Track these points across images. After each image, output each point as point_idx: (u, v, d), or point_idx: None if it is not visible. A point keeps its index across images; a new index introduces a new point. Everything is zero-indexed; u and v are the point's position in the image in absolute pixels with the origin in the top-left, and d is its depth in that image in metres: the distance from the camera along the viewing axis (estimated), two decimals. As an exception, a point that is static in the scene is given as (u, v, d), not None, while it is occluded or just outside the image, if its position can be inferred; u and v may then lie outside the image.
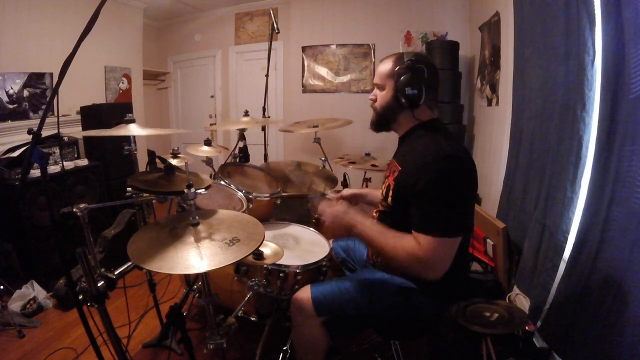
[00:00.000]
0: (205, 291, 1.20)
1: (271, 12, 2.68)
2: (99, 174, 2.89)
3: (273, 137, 4.17)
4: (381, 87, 1.19)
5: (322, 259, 1.49)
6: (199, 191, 1.16)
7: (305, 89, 4.02)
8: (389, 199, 1.15)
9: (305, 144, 3.85)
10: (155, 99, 4.97)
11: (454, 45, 3.06)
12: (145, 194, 1.37)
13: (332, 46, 3.86)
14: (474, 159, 1.11)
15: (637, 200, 1.08)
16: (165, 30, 4.85)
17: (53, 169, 2.51)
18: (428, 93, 1.11)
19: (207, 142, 2.21)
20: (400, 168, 1.13)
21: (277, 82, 4.21)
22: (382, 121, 1.23)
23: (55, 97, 0.94)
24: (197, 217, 1.07)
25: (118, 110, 3.28)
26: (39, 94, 2.98)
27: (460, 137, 3.08)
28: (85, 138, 3.13)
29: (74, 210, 1.07)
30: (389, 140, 1.44)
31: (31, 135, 0.89)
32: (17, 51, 2.82)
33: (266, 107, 2.90)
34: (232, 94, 4.54)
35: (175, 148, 2.04)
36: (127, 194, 1.36)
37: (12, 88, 2.80)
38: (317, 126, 2.45)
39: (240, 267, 1.49)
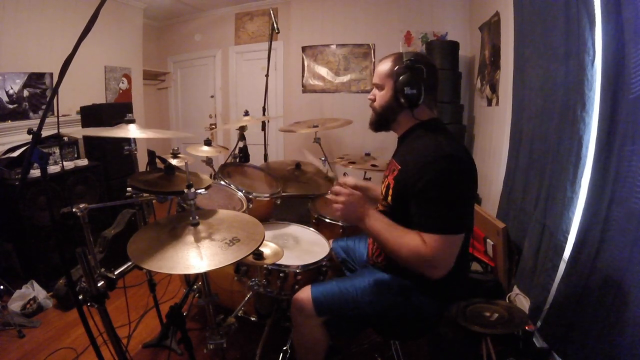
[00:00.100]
0: (205, 291, 1.20)
1: (271, 12, 2.68)
2: (99, 174, 2.89)
3: (273, 137, 4.17)
4: (380, 87, 1.19)
5: (322, 259, 1.49)
6: (199, 191, 1.16)
7: (305, 89, 4.02)
8: (389, 198, 1.15)
9: (305, 144, 3.85)
10: (155, 99, 4.97)
11: (454, 45, 3.05)
12: (145, 194, 1.37)
13: (332, 46, 3.86)
14: (474, 159, 1.11)
15: (637, 200, 1.08)
16: (165, 30, 4.85)
17: (53, 169, 2.51)
18: (427, 93, 1.11)
19: (207, 142, 2.21)
20: (399, 167, 1.13)
21: (277, 82, 4.21)
22: (381, 121, 1.23)
23: (55, 97, 0.94)
24: (197, 217, 1.07)
25: (118, 110, 3.28)
26: (39, 94, 2.98)
27: (460, 137, 3.08)
28: (85, 138, 3.13)
29: (74, 210, 1.07)
30: (389, 140, 1.44)
31: (31, 135, 0.89)
32: (17, 51, 2.82)
33: (266, 107, 2.91)
34: (232, 94, 4.54)
35: (175, 148, 2.03)
36: (127, 194, 1.36)
37: (12, 88, 2.80)
38: (317, 126, 2.45)
39: (240, 267, 1.49)
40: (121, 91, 3.89)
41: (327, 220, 1.82)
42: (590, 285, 1.25)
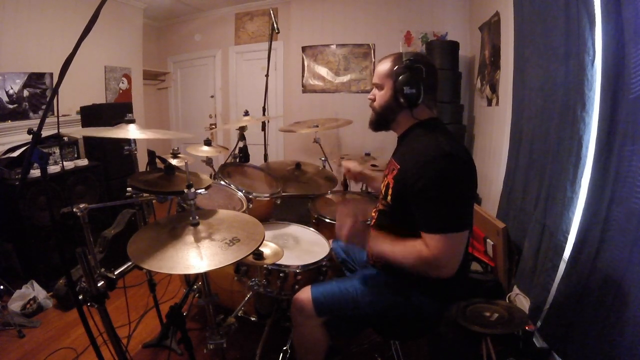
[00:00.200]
0: (205, 291, 1.20)
1: (271, 12, 2.68)
2: (99, 174, 2.89)
3: (273, 137, 4.17)
4: (380, 87, 1.19)
5: (322, 259, 1.49)
6: (199, 191, 1.16)
7: (305, 89, 4.02)
8: (389, 197, 1.15)
9: (305, 144, 3.85)
10: (155, 99, 4.97)
11: (454, 45, 3.05)
12: (145, 194, 1.37)
13: (332, 46, 3.86)
14: (474, 159, 1.11)
15: (637, 200, 1.08)
16: (165, 30, 4.85)
17: (53, 169, 2.51)
18: (427, 92, 1.11)
19: (207, 142, 2.21)
20: (399, 167, 1.13)
21: (277, 82, 4.21)
22: (381, 120, 1.23)
23: (55, 97, 0.94)
24: (197, 217, 1.07)
25: (118, 110, 3.28)
26: (39, 94, 2.98)
27: (460, 137, 3.08)
28: (85, 138, 3.13)
29: (74, 210, 1.07)
30: (389, 140, 1.44)
31: (31, 135, 0.89)
32: (17, 51, 2.82)
33: (266, 107, 2.90)
34: (232, 94, 4.54)
35: (175, 148, 2.03)
36: (127, 194, 1.36)
37: (12, 88, 2.80)
38: (317, 126, 2.45)
39: (240, 267, 1.49)
40: (121, 91, 3.89)
41: (327, 220, 1.82)
42: (590, 285, 1.25)
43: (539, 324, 1.53)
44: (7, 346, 1.80)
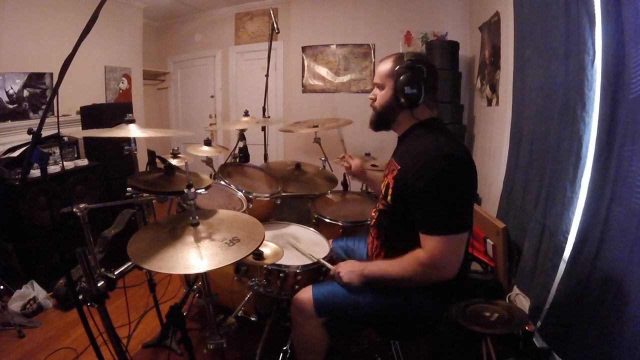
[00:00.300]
0: (205, 291, 1.20)
1: (271, 12, 2.68)
2: (99, 174, 2.89)
3: (273, 137, 4.17)
4: (381, 87, 1.19)
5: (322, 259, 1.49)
6: (199, 191, 1.16)
7: (305, 89, 4.02)
8: (389, 197, 1.15)
9: (305, 144, 3.85)
10: (155, 99, 4.97)
11: (454, 45, 3.05)
12: (145, 194, 1.37)
13: (332, 46, 3.86)
14: (474, 159, 1.11)
15: (637, 200, 1.07)
16: (165, 30, 4.85)
17: (53, 169, 2.51)
18: (427, 92, 1.11)
19: (207, 142, 2.21)
20: (399, 167, 1.13)
21: (277, 82, 4.21)
22: (381, 120, 1.23)
23: (55, 97, 0.94)
24: (197, 217, 1.07)
25: (118, 110, 3.28)
26: (39, 94, 2.98)
27: (460, 137, 3.08)
28: (85, 138, 3.13)
29: (74, 210, 1.07)
30: (389, 140, 1.44)
31: (31, 135, 0.89)
32: (17, 51, 2.82)
33: (266, 107, 2.90)
34: (232, 94, 4.54)
35: (175, 148, 2.03)
36: (127, 194, 1.36)
37: (12, 88, 2.80)
38: (317, 126, 2.45)
39: (240, 267, 1.49)
40: (121, 91, 3.89)
41: (327, 220, 1.82)
42: (590, 285, 1.25)
43: (539, 324, 1.53)
44: (7, 346, 1.80)
